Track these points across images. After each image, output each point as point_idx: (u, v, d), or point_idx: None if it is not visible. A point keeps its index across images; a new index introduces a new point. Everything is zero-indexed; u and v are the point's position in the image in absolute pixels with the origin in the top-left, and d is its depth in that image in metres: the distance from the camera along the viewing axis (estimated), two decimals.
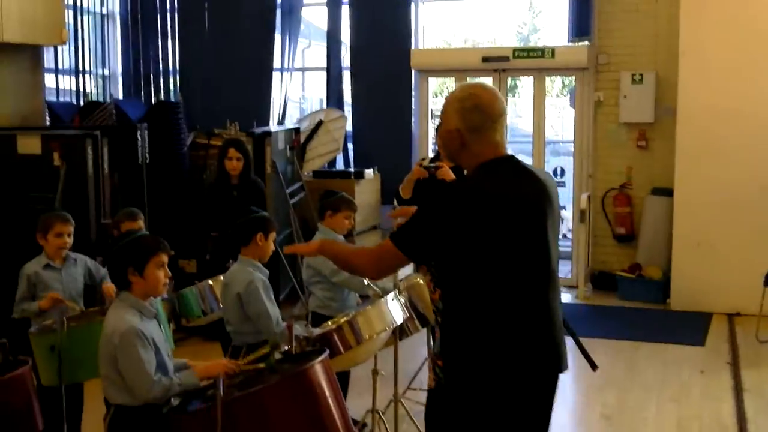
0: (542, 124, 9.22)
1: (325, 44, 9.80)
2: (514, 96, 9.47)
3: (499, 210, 2.77)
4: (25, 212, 6.93)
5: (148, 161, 7.52)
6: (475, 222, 2.74)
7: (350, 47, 9.46)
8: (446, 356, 2.90)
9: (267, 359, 3.35)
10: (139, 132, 7.46)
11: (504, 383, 2.81)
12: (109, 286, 4.71)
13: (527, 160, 9.40)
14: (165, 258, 3.35)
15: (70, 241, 4.72)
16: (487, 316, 2.79)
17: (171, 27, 9.76)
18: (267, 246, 4.31)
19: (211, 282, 4.96)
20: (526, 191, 2.84)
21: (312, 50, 11.63)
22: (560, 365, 2.91)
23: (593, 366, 3.44)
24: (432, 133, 9.16)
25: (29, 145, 7.29)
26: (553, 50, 8.90)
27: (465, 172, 3.03)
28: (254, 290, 4.17)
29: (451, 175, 5.96)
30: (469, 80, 9.63)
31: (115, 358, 3.19)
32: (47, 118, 8.72)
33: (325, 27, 9.72)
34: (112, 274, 3.34)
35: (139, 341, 3.16)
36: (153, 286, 3.31)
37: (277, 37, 9.57)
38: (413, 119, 9.33)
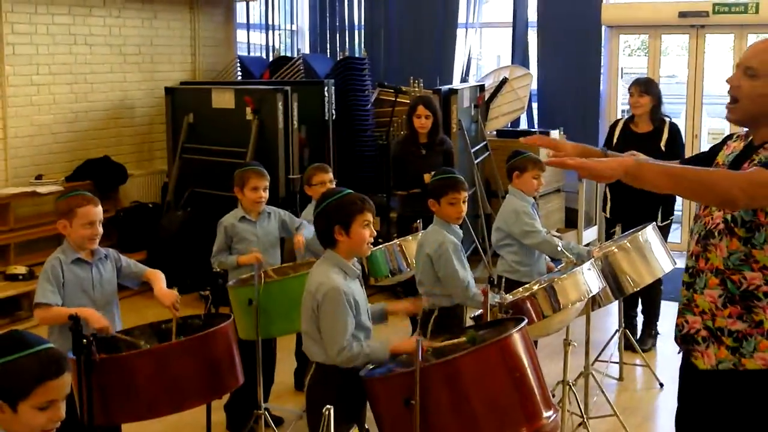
0: None
1: None
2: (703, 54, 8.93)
3: None
4: (220, 166, 7.20)
5: (334, 117, 7.61)
6: None
7: (537, 2, 9.17)
8: (745, 271, 2.68)
9: (468, 335, 3.29)
10: (326, 88, 7.54)
11: None
12: (299, 238, 4.81)
13: (724, 124, 8.99)
14: (370, 217, 3.28)
15: (265, 195, 4.80)
16: None
17: None
18: (448, 209, 4.20)
19: (399, 242, 4.96)
20: None
21: (491, 6, 11.37)
22: None
23: None
24: (622, 93, 8.79)
25: (223, 99, 7.53)
26: (757, 4, 8.30)
27: None
28: (445, 252, 4.10)
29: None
30: (665, 38, 9.18)
31: (317, 315, 3.21)
32: (239, 73, 8.98)
33: None
34: (319, 232, 3.32)
35: (342, 302, 3.15)
36: (358, 244, 3.26)
37: None
38: (602, 78, 8.97)
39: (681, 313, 2.87)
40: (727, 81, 2.75)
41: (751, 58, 2.66)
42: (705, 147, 8.89)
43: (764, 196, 2.55)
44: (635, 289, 4.60)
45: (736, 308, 2.69)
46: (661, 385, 5.36)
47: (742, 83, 2.66)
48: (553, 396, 4.65)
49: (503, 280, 4.42)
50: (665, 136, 5.82)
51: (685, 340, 2.83)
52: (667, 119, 5.93)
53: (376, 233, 3.36)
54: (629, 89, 5.93)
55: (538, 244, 4.68)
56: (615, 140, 5.93)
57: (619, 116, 9.04)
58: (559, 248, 4.53)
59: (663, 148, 5.70)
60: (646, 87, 5.86)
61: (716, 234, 2.76)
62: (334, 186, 4.99)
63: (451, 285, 4.12)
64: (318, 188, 4.98)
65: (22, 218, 7.14)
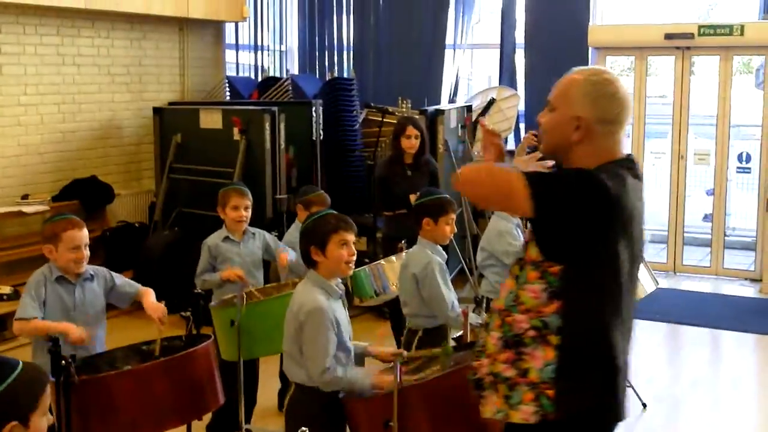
0: (728, 107, 8.71)
1: (495, 20, 9.61)
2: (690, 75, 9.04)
3: (631, 224, 2.43)
4: (207, 186, 7.20)
5: (322, 137, 7.63)
6: (616, 224, 2.38)
7: (525, 23, 9.23)
8: (563, 385, 2.39)
9: (443, 349, 3.31)
10: (314, 108, 7.57)
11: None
12: (283, 255, 4.82)
13: (710, 145, 9.07)
14: (347, 236, 3.29)
15: (247, 214, 4.82)
16: (614, 338, 2.41)
17: (346, 3, 9.84)
18: (444, 228, 4.23)
19: (383, 262, 4.97)
20: (641, 209, 2.49)
21: (481, 27, 11.44)
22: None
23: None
24: None
25: (211, 119, 7.56)
26: (742, 27, 8.38)
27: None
28: (430, 272, 4.12)
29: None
30: (650, 59, 9.26)
31: (299, 335, 3.22)
32: (227, 93, 9.01)
33: (497, 3, 9.53)
34: (301, 253, 3.35)
35: (324, 322, 3.16)
36: (335, 264, 3.27)
37: (451, 13, 9.47)
38: None
39: (477, 356, 2.61)
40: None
41: (552, 93, 2.58)
42: (691, 168, 8.98)
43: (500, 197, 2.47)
44: None
45: (510, 353, 2.46)
46: (644, 405, 5.36)
47: (544, 118, 2.58)
48: None
49: (485, 300, 4.44)
50: None
51: (476, 385, 2.58)
52: None
53: (356, 253, 3.37)
54: None
55: None
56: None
57: None
58: None
59: None
60: None
61: (508, 272, 2.62)
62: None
63: (435, 305, 4.13)
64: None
65: (8, 238, 7.14)
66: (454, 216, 4.28)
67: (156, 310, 3.81)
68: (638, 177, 2.51)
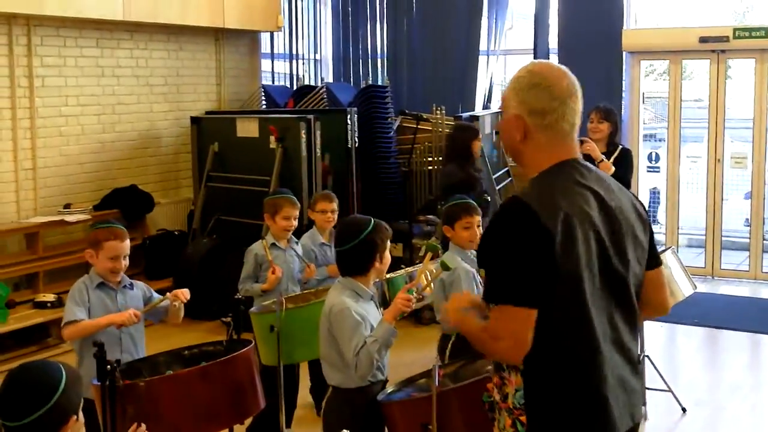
0: (764, 109, 8.63)
1: (527, 25, 9.63)
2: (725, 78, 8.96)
3: (578, 243, 2.22)
4: (245, 193, 7.29)
5: (357, 144, 7.70)
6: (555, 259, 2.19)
7: (558, 28, 9.23)
8: (533, 410, 2.29)
9: (442, 262, 3.47)
10: (348, 116, 7.63)
11: None
12: (333, 267, 4.92)
13: (746, 148, 8.99)
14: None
15: (295, 224, 4.93)
16: (579, 363, 2.27)
17: (380, 11, 9.91)
18: (462, 233, 4.27)
19: (421, 268, 4.99)
20: (594, 215, 2.30)
21: (513, 32, 11.46)
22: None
23: None
24: (644, 117, 8.81)
25: (248, 128, 7.65)
26: None
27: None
28: (456, 278, 4.15)
29: (597, 151, 5.78)
30: (685, 63, 9.21)
31: (332, 338, 3.28)
32: (263, 101, 9.11)
33: (529, 8, 9.54)
34: (355, 260, 3.40)
35: (350, 316, 3.22)
36: (385, 268, 3.43)
37: (484, 20, 9.50)
38: (624, 103, 9.00)
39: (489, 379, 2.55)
40: None
41: None
42: (727, 172, 8.90)
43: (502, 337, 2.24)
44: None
45: (497, 377, 2.41)
46: (684, 410, 5.34)
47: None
48: None
49: None
50: (614, 156, 5.96)
51: (490, 407, 2.50)
52: (621, 146, 6.14)
53: (391, 259, 3.44)
54: (590, 114, 6.05)
55: None
56: None
57: (641, 141, 9.10)
58: None
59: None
60: (605, 114, 6.08)
61: None
62: (336, 215, 5.13)
63: None
64: (319, 216, 5.08)
65: (51, 247, 7.27)
66: (471, 220, 4.27)
67: (180, 291, 3.91)
68: (585, 177, 2.35)
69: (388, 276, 4.97)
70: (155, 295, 4.06)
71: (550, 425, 2.28)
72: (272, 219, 4.87)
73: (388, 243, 3.39)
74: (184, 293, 3.92)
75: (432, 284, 4.61)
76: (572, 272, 2.20)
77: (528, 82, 2.36)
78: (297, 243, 5.00)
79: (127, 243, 3.90)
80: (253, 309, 4.51)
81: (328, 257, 5.10)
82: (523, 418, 2.31)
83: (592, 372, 2.27)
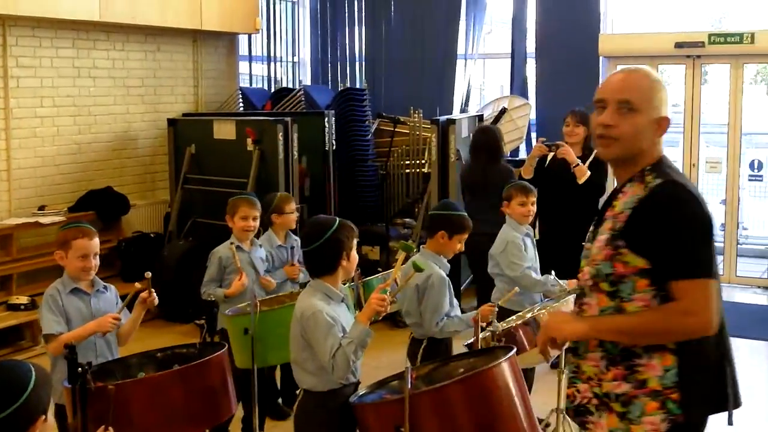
0: (739, 115, 8.72)
1: (505, 30, 9.67)
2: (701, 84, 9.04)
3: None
4: (221, 196, 7.25)
5: (334, 147, 7.69)
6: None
7: (535, 33, 9.28)
8: (688, 385, 2.44)
9: (414, 263, 3.46)
10: (326, 118, 7.63)
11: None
12: (289, 268, 4.92)
13: (721, 153, 9.06)
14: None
15: (255, 224, 4.90)
16: (720, 336, 2.51)
17: (358, 14, 9.92)
18: (456, 245, 4.27)
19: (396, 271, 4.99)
20: None
21: (491, 36, 11.50)
22: None
23: None
24: None
25: (225, 130, 7.63)
26: (752, 35, 8.39)
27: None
28: (431, 285, 4.16)
29: (573, 155, 5.82)
30: (660, 68, 9.28)
31: (303, 341, 3.27)
32: (240, 104, 9.09)
33: (507, 12, 9.58)
34: (323, 260, 3.37)
35: (323, 319, 3.20)
36: (352, 268, 3.40)
37: (462, 24, 9.53)
38: None
39: (571, 383, 2.63)
40: (600, 121, 2.54)
41: (626, 91, 2.52)
42: (702, 176, 8.97)
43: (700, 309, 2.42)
44: None
45: (619, 369, 2.49)
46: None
47: (621, 120, 2.51)
48: (548, 425, 4.71)
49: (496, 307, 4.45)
50: (589, 161, 6.00)
51: (577, 412, 2.59)
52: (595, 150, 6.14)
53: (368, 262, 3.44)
54: (565, 118, 6.09)
55: (518, 277, 4.74)
56: (546, 163, 6.14)
57: None
58: (542, 281, 4.66)
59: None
60: (581, 118, 6.12)
61: (587, 291, 2.59)
62: (257, 223, 5.00)
63: (427, 316, 4.15)
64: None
65: (25, 248, 7.21)
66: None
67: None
68: None
69: (364, 279, 5.01)
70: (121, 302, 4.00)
71: (703, 397, 2.47)
72: (232, 220, 4.87)
73: (355, 242, 3.37)
74: (153, 300, 3.89)
75: (407, 282, 4.64)
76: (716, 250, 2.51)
77: (663, 86, 2.57)
78: (261, 246, 4.98)
79: (96, 241, 3.86)
80: (227, 312, 4.49)
81: (285, 259, 5.10)
82: (674, 396, 2.43)
83: (725, 343, 2.55)
